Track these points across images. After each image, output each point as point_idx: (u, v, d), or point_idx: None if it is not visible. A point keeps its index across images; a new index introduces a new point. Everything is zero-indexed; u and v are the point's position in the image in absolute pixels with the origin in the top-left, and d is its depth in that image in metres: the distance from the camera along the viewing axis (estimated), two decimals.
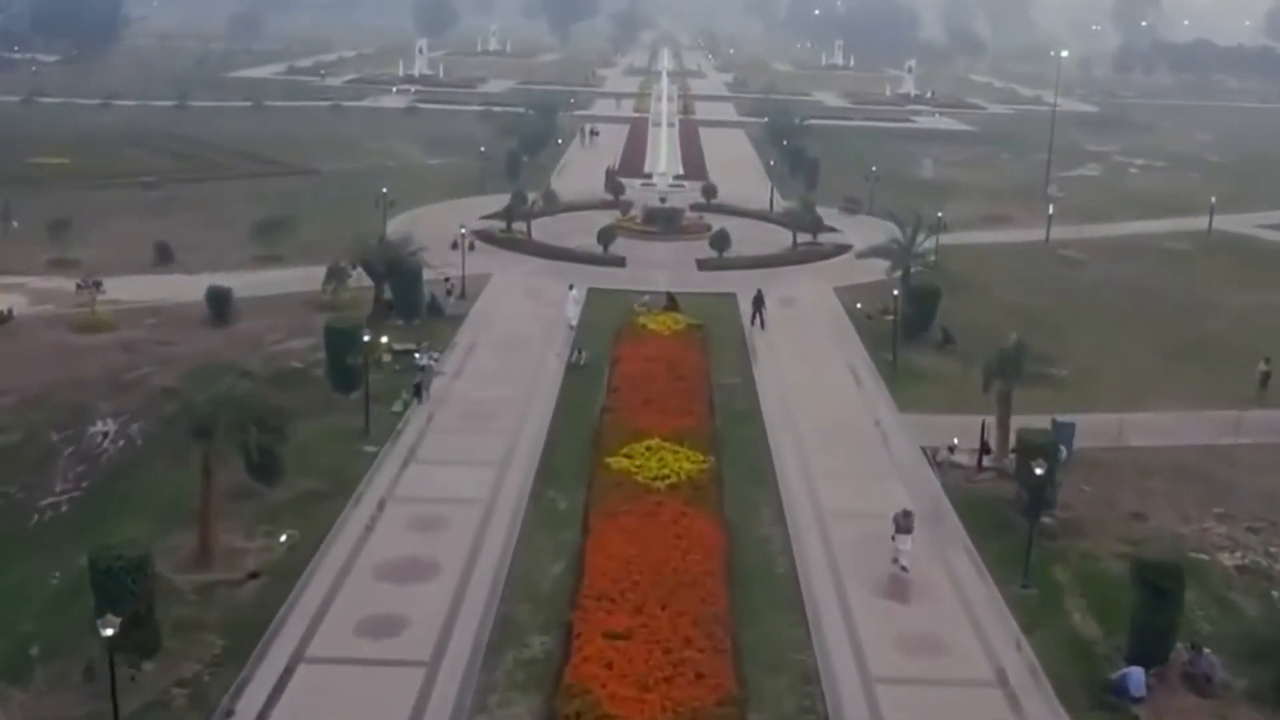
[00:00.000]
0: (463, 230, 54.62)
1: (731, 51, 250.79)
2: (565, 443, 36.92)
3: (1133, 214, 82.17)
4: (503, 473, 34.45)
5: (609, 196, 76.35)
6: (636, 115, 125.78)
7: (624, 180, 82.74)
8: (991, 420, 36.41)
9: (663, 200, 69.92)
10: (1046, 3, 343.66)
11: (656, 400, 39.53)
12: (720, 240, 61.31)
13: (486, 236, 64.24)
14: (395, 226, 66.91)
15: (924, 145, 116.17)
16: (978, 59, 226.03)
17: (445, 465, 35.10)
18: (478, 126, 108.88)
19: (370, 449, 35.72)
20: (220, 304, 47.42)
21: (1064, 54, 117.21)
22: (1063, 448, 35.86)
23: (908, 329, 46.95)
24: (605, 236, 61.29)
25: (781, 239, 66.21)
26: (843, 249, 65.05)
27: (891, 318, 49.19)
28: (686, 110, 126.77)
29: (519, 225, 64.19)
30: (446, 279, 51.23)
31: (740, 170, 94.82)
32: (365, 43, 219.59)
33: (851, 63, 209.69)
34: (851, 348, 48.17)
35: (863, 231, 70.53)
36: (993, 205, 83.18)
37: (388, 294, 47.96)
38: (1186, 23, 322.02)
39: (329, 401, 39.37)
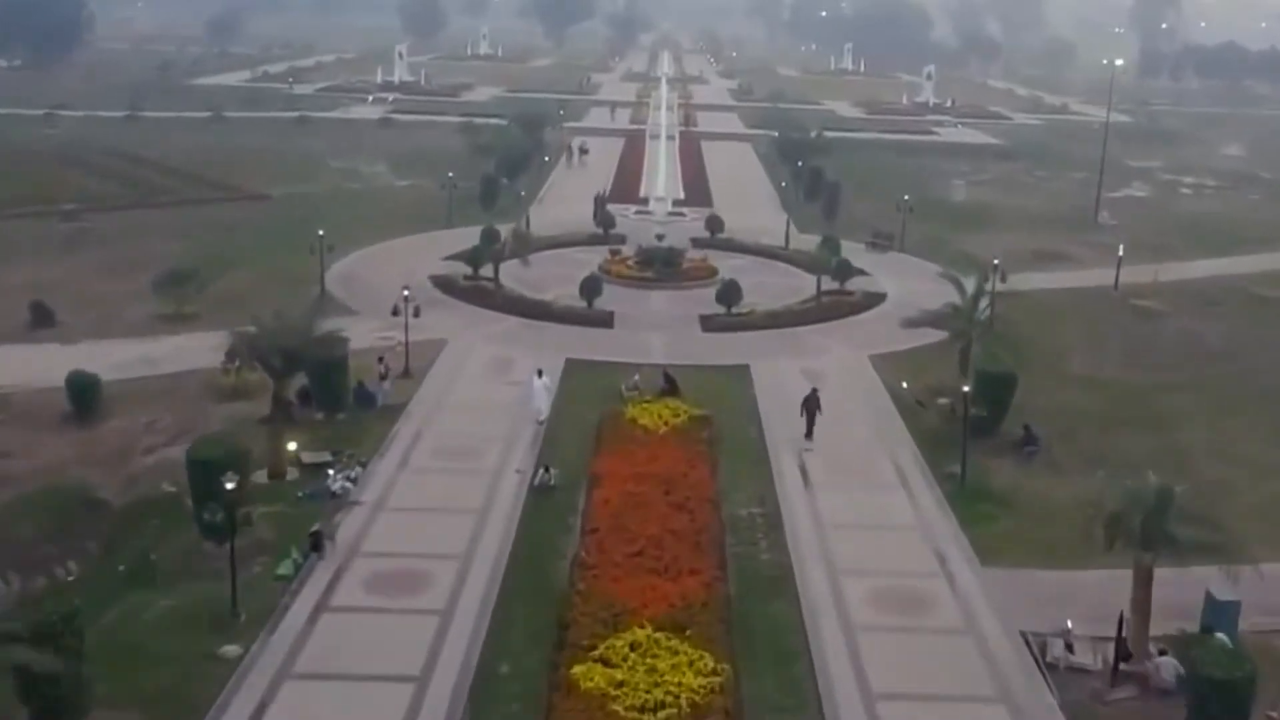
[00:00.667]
0: (405, 293, 43.46)
1: (734, 54, 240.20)
2: (515, 633, 26.01)
3: (1201, 247, 71.19)
4: (418, 698, 23.49)
5: (598, 230, 65.55)
6: (633, 127, 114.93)
7: (616, 208, 72.11)
8: (1124, 603, 25.54)
9: (660, 238, 59.10)
10: (1059, 4, 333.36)
11: (649, 550, 28.87)
12: (729, 293, 50.50)
13: (447, 285, 53.48)
14: (346, 268, 56.49)
15: (949, 161, 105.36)
16: (991, 63, 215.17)
17: (339, 681, 24.09)
18: (457, 140, 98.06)
19: (231, 650, 24.67)
20: (84, 396, 36.49)
21: (1119, 62, 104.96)
22: (1224, 638, 25.17)
23: (976, 426, 36.09)
24: (590, 288, 50.49)
25: (801, 284, 55.39)
26: (875, 299, 54.27)
27: (947, 402, 38.46)
28: (688, 121, 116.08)
29: (496, 267, 53.42)
30: (380, 358, 40.31)
31: (748, 193, 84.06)
32: (351, 46, 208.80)
33: (862, 67, 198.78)
34: (902, 450, 37.21)
35: (897, 274, 59.85)
36: (1039, 237, 72.35)
37: (302, 385, 37.06)
38: (1204, 25, 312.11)
39: (196, 553, 28.59)
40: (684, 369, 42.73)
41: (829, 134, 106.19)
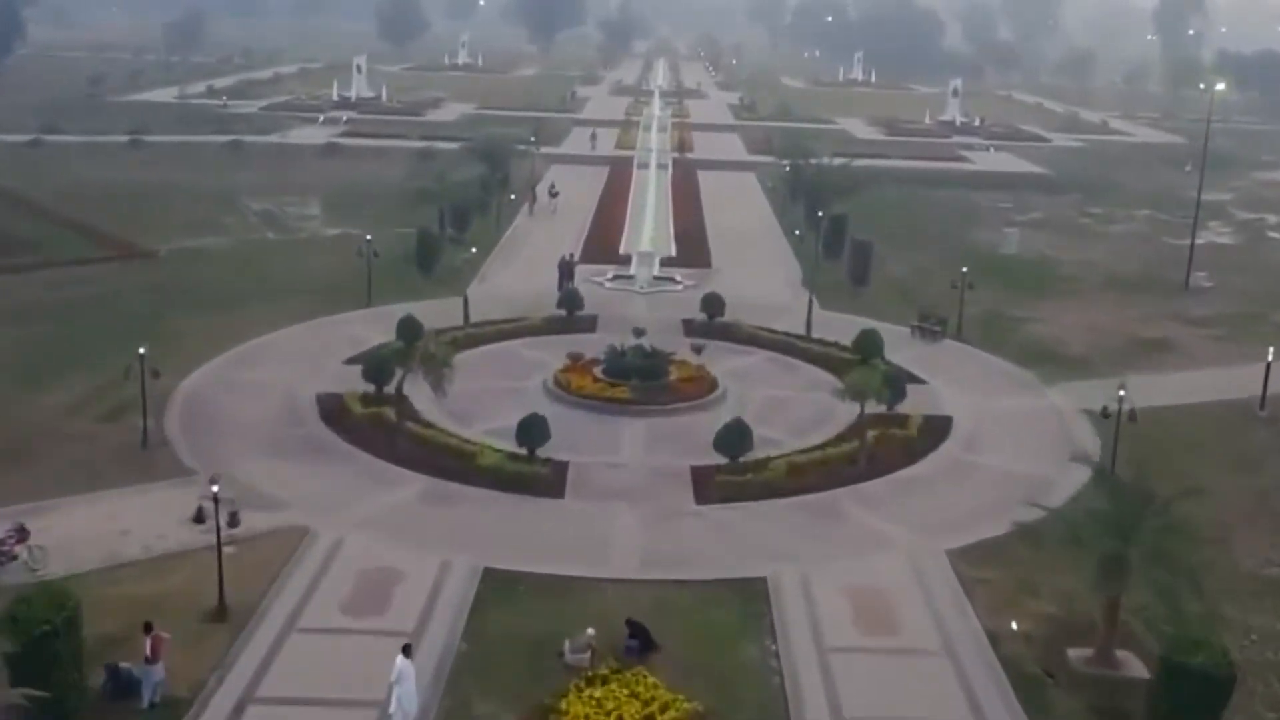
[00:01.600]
0: (215, 490, 27.33)
1: (734, 62, 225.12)
2: None
3: None
4: None
5: (560, 311, 50.01)
6: (619, 153, 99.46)
7: (589, 272, 56.94)
8: None
9: (639, 334, 43.48)
10: (1075, 8, 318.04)
11: None
12: (734, 439, 34.86)
13: (338, 415, 37.94)
14: (202, 383, 41.02)
15: (988, 195, 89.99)
16: (1009, 72, 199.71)
17: None
18: (412, 169, 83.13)
19: None
20: None
21: (1221, 87, 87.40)
22: None
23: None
24: (531, 433, 34.89)
25: (833, 404, 39.72)
26: (939, 429, 38.74)
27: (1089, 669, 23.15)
28: (682, 147, 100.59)
29: (400, 386, 37.82)
30: (148, 628, 24.33)
31: (755, 246, 68.67)
32: (324, 54, 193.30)
33: (873, 78, 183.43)
34: None
35: (957, 377, 44.49)
36: (1125, 310, 57.00)
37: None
38: (1224, 30, 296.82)
39: None
40: (667, 589, 27.40)
41: (843, 160, 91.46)
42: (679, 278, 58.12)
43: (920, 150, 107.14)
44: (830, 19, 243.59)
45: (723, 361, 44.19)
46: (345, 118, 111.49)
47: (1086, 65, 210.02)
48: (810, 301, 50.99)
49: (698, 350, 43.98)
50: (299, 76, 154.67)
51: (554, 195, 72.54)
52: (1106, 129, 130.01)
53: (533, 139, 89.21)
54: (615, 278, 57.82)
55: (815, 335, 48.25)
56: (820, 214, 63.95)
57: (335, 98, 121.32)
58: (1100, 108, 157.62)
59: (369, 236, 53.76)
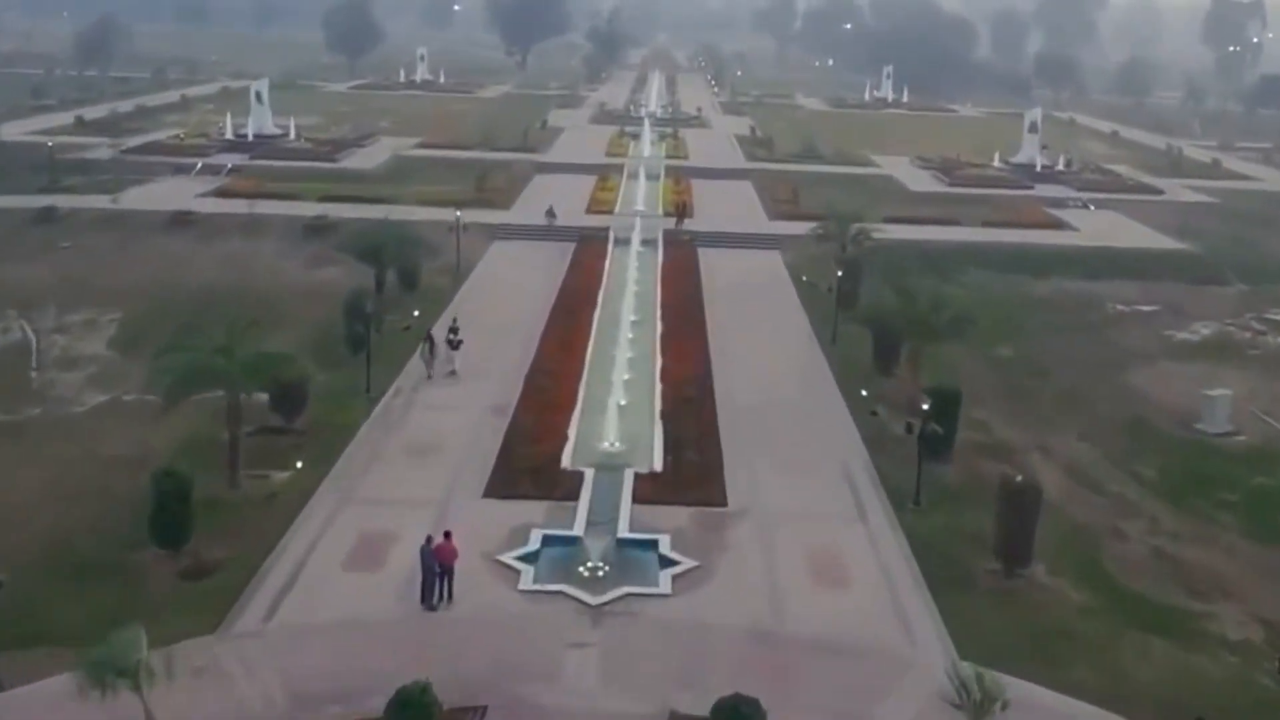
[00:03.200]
0: None
1: (739, 73, 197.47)
2: None
3: None
4: None
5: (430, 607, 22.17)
6: (590, 222, 71.55)
7: (501, 530, 29.40)
8: None
9: None
10: (1115, 17, 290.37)
11: None
12: None
13: None
14: None
15: (1119, 291, 62.55)
16: (1061, 89, 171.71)
17: None
18: (282, 253, 56.26)
19: None
20: None
21: None
22: None
23: None
24: None
25: None
26: None
27: None
28: (680, 211, 72.22)
29: None
30: None
31: (801, 426, 40.41)
32: (269, 68, 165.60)
33: (904, 96, 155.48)
34: None
35: None
36: None
37: None
38: (1271, 35, 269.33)
39: None
40: None
41: (893, 228, 65.18)
42: (663, 554, 30.23)
43: (1000, 209, 79.05)
44: (848, 26, 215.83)
45: None
46: (229, 166, 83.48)
47: (1144, 80, 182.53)
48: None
49: None
50: (216, 99, 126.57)
51: (455, 344, 43.96)
52: (1222, 171, 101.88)
53: (457, 217, 61.21)
54: (549, 543, 30.09)
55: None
56: (893, 363, 36.65)
57: (229, 134, 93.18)
58: (1178, 133, 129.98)
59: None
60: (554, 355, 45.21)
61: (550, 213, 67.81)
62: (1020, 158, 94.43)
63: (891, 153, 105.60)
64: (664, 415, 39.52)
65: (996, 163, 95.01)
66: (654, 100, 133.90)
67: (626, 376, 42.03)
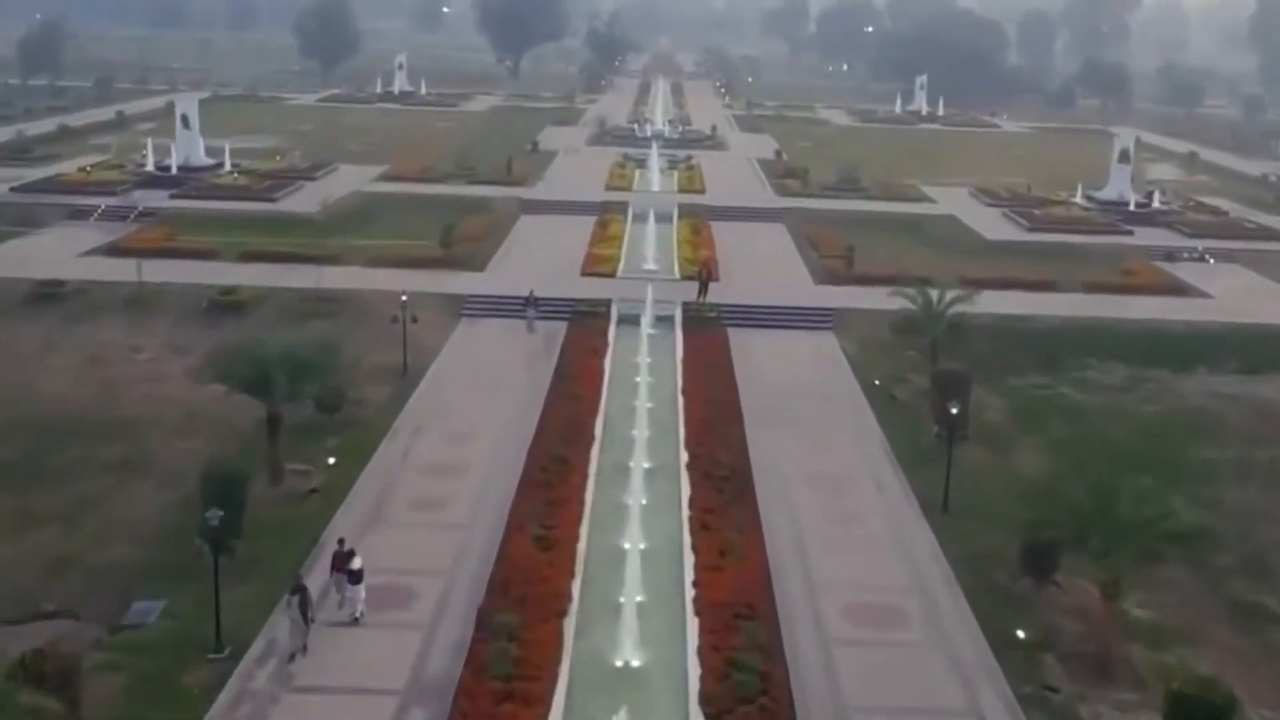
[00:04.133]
0: None
1: (750, 80, 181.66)
2: None
3: None
4: None
5: None
6: (587, 295, 54.99)
7: None
8: None
9: None
10: (1150, 17, 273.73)
11: None
12: None
13: None
14: None
15: (1268, 389, 46.55)
16: (1107, 99, 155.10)
17: None
18: (174, 354, 40.86)
19: None
20: None
21: None
22: None
23: None
24: None
25: None
26: None
27: None
28: (704, 280, 55.17)
29: None
30: None
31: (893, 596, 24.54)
32: (235, 76, 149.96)
33: (940, 109, 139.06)
34: None
35: None
36: None
37: None
38: None
39: None
40: None
41: (968, 310, 49.23)
42: None
43: (1101, 267, 62.76)
44: (870, 29, 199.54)
45: None
46: (137, 209, 67.22)
47: (1193, 88, 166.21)
48: None
49: None
50: (161, 115, 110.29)
51: (354, 575, 26.93)
52: None
53: (403, 298, 44.90)
54: None
55: None
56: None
57: (151, 168, 76.77)
58: (1255, 152, 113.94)
59: None
60: (524, 564, 28.74)
61: (531, 301, 51.03)
62: (1108, 192, 78.00)
63: (944, 182, 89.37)
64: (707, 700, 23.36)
65: (1079, 198, 78.55)
66: (660, 115, 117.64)
67: (635, 626, 25.85)
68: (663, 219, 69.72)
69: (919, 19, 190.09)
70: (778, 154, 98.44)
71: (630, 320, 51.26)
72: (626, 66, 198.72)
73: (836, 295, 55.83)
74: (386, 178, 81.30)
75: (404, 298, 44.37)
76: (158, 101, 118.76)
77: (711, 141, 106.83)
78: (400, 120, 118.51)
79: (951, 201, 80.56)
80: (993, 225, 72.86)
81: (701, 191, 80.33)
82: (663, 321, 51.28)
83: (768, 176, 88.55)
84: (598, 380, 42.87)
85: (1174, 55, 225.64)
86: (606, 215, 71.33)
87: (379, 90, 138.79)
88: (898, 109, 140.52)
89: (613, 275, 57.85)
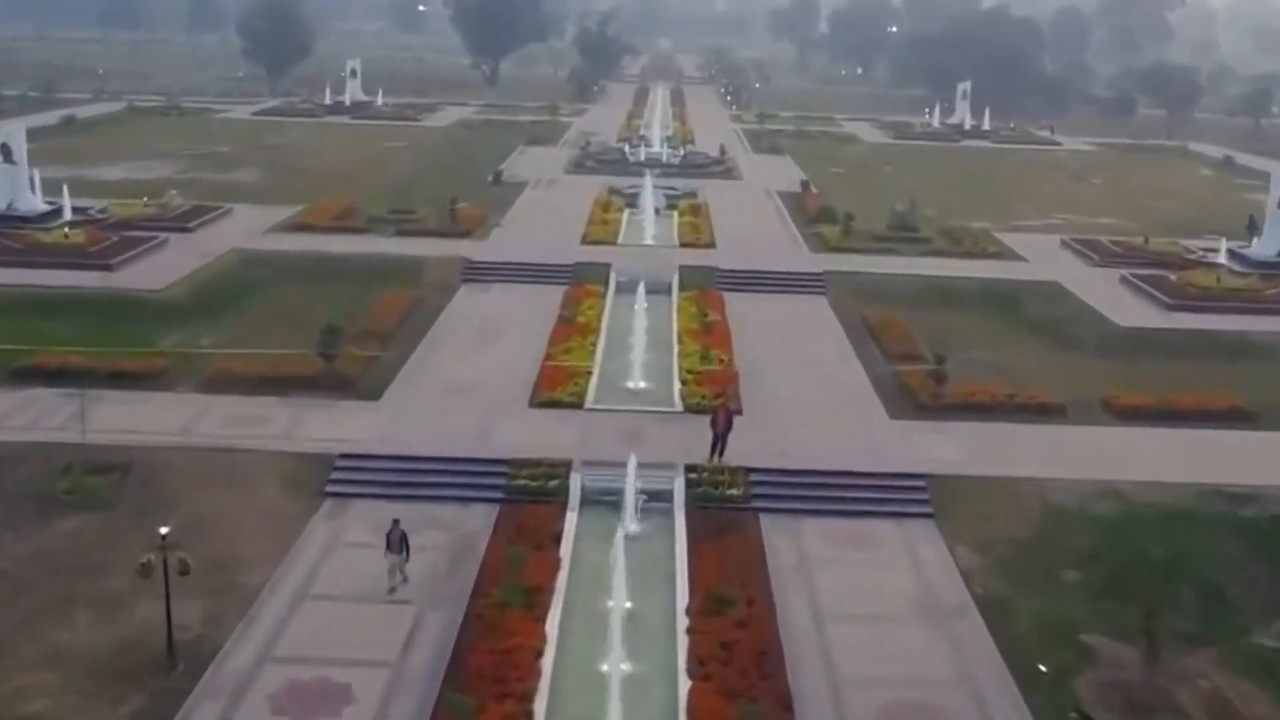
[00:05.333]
0: None
1: (757, 86, 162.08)
2: None
3: None
4: None
5: None
6: (531, 452, 34.58)
7: None
8: None
9: None
10: (1180, 17, 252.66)
11: None
12: None
13: None
14: None
15: None
16: (1172, 110, 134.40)
17: None
18: None
19: None
20: None
21: None
22: None
23: None
24: None
25: None
26: None
27: None
28: (720, 428, 34.49)
29: None
30: None
31: None
32: (156, 85, 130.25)
33: (986, 122, 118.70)
34: None
35: None
36: None
37: None
38: None
39: None
40: None
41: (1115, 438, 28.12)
42: None
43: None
44: (894, 29, 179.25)
45: None
46: None
47: (1263, 95, 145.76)
48: None
49: None
50: (38, 136, 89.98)
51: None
52: None
53: (178, 559, 24.19)
54: None
55: None
56: None
57: None
58: None
59: None
60: None
61: (396, 543, 28.89)
62: (1264, 248, 57.63)
63: (1020, 224, 69.45)
64: None
65: (1223, 257, 58.14)
66: (658, 133, 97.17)
67: None
68: (657, 288, 49.83)
69: (946, 18, 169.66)
70: (804, 185, 78.04)
71: (599, 504, 31.29)
72: (622, 71, 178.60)
73: (927, 442, 35.56)
74: (292, 225, 60.93)
75: (163, 532, 23.65)
76: (49, 118, 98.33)
77: (721, 167, 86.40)
78: (341, 139, 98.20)
79: (1043, 256, 60.27)
80: (1116, 299, 52.39)
81: (710, 245, 59.97)
82: (652, 513, 31.19)
83: (795, 219, 68.13)
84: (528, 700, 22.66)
85: (1210, 57, 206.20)
86: (580, 286, 51.11)
87: (328, 101, 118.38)
88: (935, 122, 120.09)
89: (578, 403, 37.52)
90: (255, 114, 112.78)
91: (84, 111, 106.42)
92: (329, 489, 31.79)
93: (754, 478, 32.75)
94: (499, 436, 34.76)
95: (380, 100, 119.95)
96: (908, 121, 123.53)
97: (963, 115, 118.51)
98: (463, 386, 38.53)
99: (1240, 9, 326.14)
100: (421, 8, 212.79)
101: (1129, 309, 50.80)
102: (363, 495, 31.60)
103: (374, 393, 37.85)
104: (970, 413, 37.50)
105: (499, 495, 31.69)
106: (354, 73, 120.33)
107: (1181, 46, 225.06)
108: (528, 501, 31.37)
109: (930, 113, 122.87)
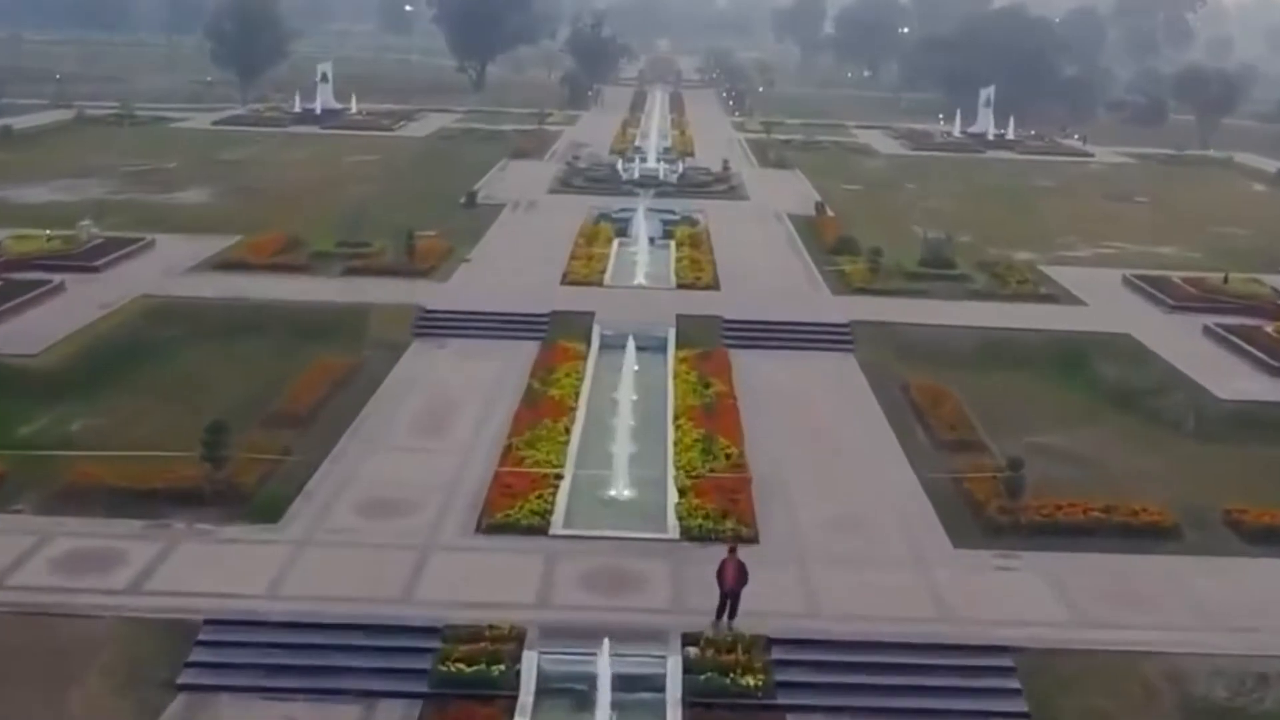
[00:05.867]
0: None
1: (761, 90, 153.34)
2: None
3: None
4: None
5: None
6: (469, 607, 25.56)
7: None
8: None
9: None
10: (1206, 18, 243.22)
11: None
12: None
13: None
14: None
15: None
16: (1203, 118, 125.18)
17: None
18: None
19: None
20: None
21: None
22: None
23: None
24: None
25: None
26: None
27: None
28: (730, 583, 24.71)
29: None
30: None
31: None
32: (118, 91, 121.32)
33: (1011, 131, 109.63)
34: None
35: None
36: None
37: None
38: None
39: None
40: None
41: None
42: None
43: None
44: (906, 29, 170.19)
45: None
46: None
47: None
48: None
49: None
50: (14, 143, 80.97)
51: None
52: None
53: None
54: None
55: None
56: None
57: None
58: None
59: None
60: None
61: None
62: None
63: (1067, 253, 60.59)
64: None
65: None
66: (655, 146, 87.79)
67: None
68: (650, 344, 40.86)
69: (958, 18, 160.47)
70: (819, 207, 68.94)
71: (561, 695, 22.35)
72: (619, 74, 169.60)
73: (1007, 587, 26.47)
74: (221, 263, 51.80)
75: None
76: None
77: (724, 186, 77.22)
78: (304, 152, 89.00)
79: (1104, 298, 51.20)
80: (1205, 359, 43.18)
81: (712, 286, 50.87)
82: (630, 711, 22.22)
83: (811, 250, 58.92)
84: None
85: (1229, 58, 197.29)
86: (556, 343, 42.06)
87: (297, 109, 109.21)
88: (956, 130, 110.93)
89: (542, 528, 28.38)
90: (216, 123, 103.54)
91: (27, 121, 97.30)
92: (183, 678, 22.69)
93: (776, 653, 23.68)
94: (430, 585, 25.73)
95: (354, 108, 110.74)
96: (926, 130, 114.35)
97: (986, 124, 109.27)
98: (390, 504, 29.39)
99: (1251, 6, 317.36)
100: (408, 8, 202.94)
101: (1225, 373, 41.56)
102: (232, 687, 22.54)
103: (271, 512, 28.69)
104: (1057, 538, 28.46)
105: (422, 687, 22.64)
106: (325, 77, 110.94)
107: (1197, 47, 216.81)
108: (460, 698, 22.30)
109: (948, 120, 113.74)
